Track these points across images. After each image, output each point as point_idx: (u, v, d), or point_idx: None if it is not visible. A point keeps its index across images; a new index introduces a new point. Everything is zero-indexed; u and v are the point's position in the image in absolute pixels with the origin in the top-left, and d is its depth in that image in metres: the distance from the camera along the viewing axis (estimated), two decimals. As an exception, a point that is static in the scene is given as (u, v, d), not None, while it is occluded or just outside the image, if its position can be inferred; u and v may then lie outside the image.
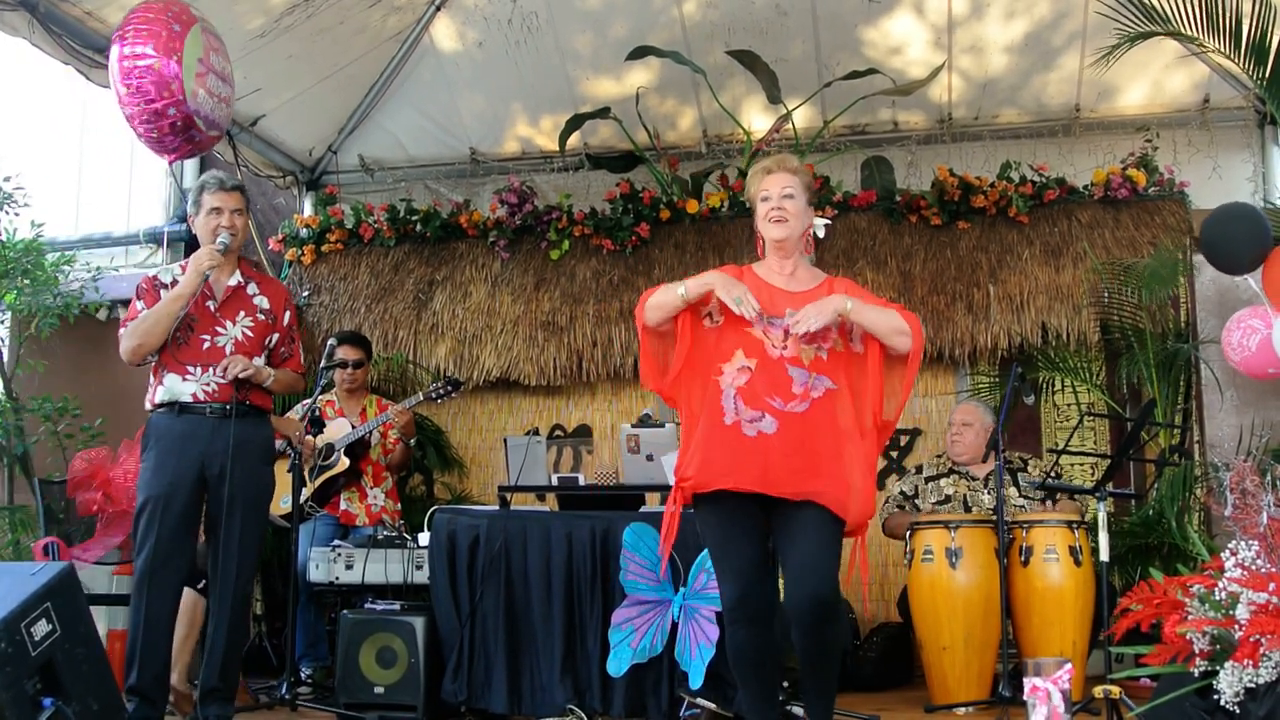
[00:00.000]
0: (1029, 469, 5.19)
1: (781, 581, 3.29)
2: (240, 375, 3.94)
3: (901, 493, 5.30)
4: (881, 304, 3.34)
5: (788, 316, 3.25)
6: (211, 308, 4.01)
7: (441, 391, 5.32)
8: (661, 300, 3.30)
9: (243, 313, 4.05)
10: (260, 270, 7.06)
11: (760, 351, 3.24)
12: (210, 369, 3.94)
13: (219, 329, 3.99)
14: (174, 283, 4.00)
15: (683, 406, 3.35)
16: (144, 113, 4.61)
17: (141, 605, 3.85)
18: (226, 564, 3.93)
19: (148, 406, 4.00)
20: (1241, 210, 5.18)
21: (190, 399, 3.92)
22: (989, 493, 5.04)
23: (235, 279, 4.08)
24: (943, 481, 5.23)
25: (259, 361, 4.04)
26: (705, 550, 4.15)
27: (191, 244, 7.51)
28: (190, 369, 3.93)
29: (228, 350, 3.98)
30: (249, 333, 4.04)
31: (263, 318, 4.10)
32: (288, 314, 4.19)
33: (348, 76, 6.72)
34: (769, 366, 3.22)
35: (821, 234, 3.44)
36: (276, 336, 4.14)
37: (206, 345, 3.97)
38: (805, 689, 3.33)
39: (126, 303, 4.43)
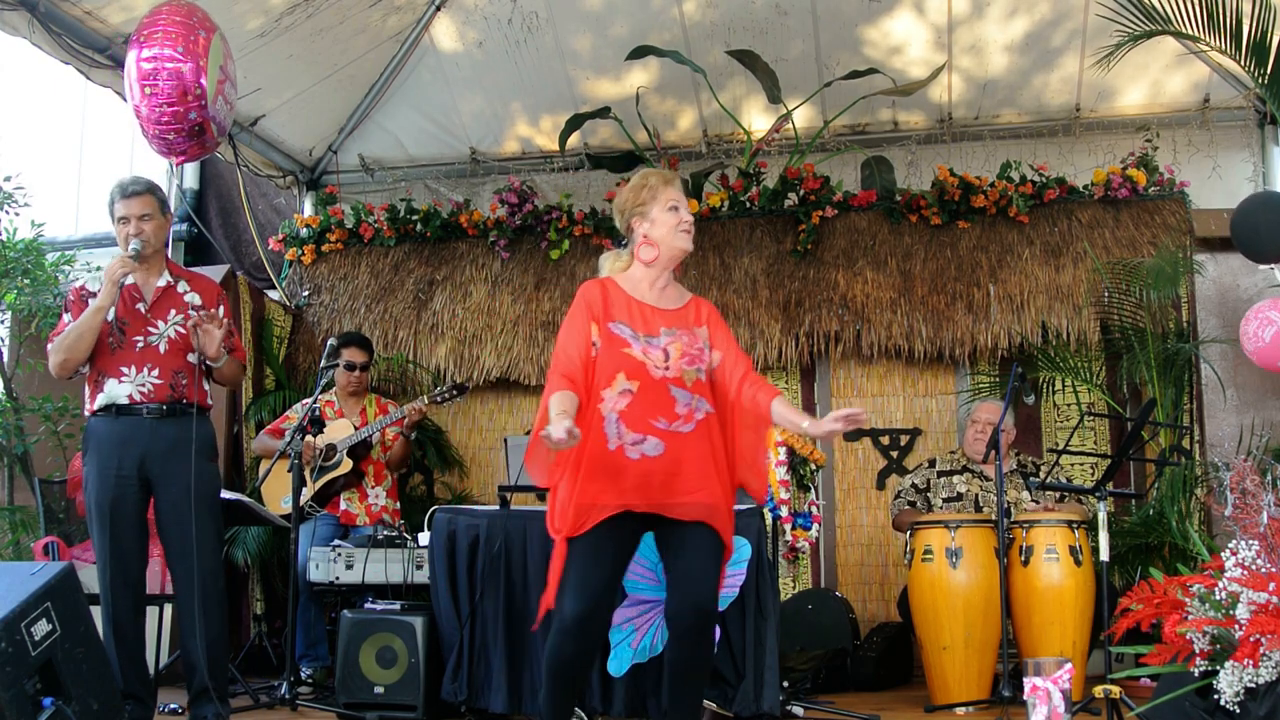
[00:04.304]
0: (1040, 474, 5.18)
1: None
2: (217, 329, 3.93)
3: (913, 485, 5.28)
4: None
5: (663, 335, 3.23)
6: (141, 309, 4.00)
7: (447, 396, 5.32)
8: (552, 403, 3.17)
9: (174, 311, 4.04)
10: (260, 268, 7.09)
11: (643, 373, 3.19)
12: (145, 369, 3.94)
13: (151, 329, 3.98)
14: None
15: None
16: (161, 114, 4.63)
17: (111, 611, 3.85)
18: (189, 564, 3.89)
19: (86, 413, 3.99)
20: (1273, 199, 5.17)
21: (127, 400, 3.91)
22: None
23: (164, 279, 4.07)
24: (955, 478, 5.22)
25: (192, 359, 4.01)
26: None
27: (192, 244, 7.57)
28: (125, 370, 3.93)
29: (161, 349, 3.97)
30: (181, 330, 4.03)
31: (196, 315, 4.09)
32: (221, 308, 4.16)
33: (348, 76, 6.72)
34: (652, 387, 3.18)
35: None
36: None
37: (140, 346, 3.96)
38: (672, 702, 3.23)
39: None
